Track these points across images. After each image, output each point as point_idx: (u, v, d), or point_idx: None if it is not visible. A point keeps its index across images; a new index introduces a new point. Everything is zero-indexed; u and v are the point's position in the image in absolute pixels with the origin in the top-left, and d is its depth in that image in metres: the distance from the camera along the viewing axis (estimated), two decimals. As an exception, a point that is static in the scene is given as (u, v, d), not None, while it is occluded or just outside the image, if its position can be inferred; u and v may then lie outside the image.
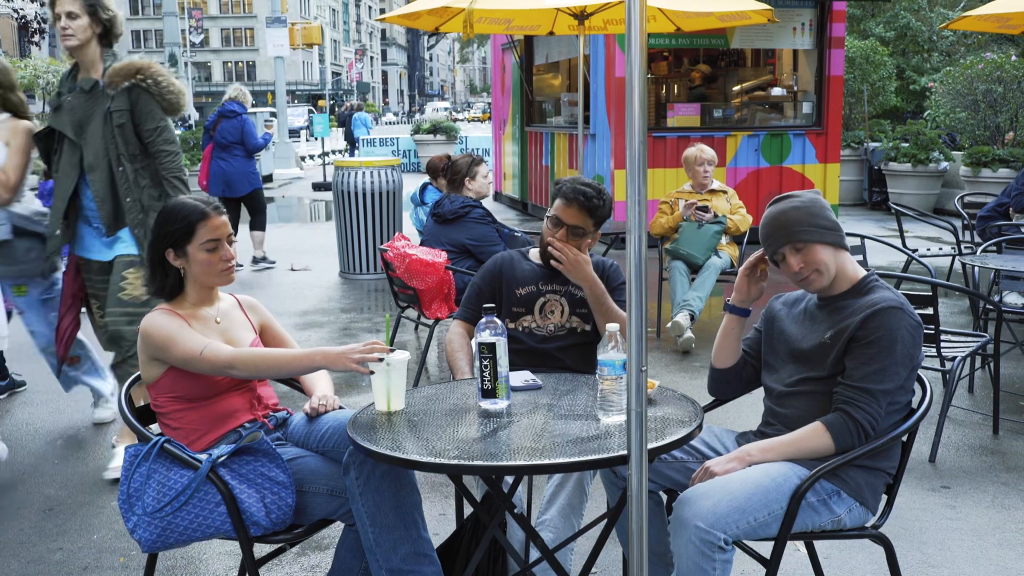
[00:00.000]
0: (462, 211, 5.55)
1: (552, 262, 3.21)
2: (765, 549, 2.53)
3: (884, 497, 2.66)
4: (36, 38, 21.95)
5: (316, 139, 25.18)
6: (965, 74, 13.33)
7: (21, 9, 22.00)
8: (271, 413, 2.91)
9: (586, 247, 3.28)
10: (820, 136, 10.97)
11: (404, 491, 2.60)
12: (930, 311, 4.27)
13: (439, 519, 3.74)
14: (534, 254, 3.47)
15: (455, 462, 2.21)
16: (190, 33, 54.31)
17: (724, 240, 6.47)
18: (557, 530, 2.97)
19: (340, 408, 2.87)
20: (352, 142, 27.04)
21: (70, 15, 4.03)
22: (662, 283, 6.75)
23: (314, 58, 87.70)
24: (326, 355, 2.60)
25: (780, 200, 2.70)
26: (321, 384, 2.99)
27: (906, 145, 13.49)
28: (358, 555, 2.74)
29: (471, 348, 3.25)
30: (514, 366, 2.78)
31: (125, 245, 4.15)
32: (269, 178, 18.22)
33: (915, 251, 6.75)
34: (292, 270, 9.78)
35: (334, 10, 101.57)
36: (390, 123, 65.21)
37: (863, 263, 5.62)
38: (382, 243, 7.79)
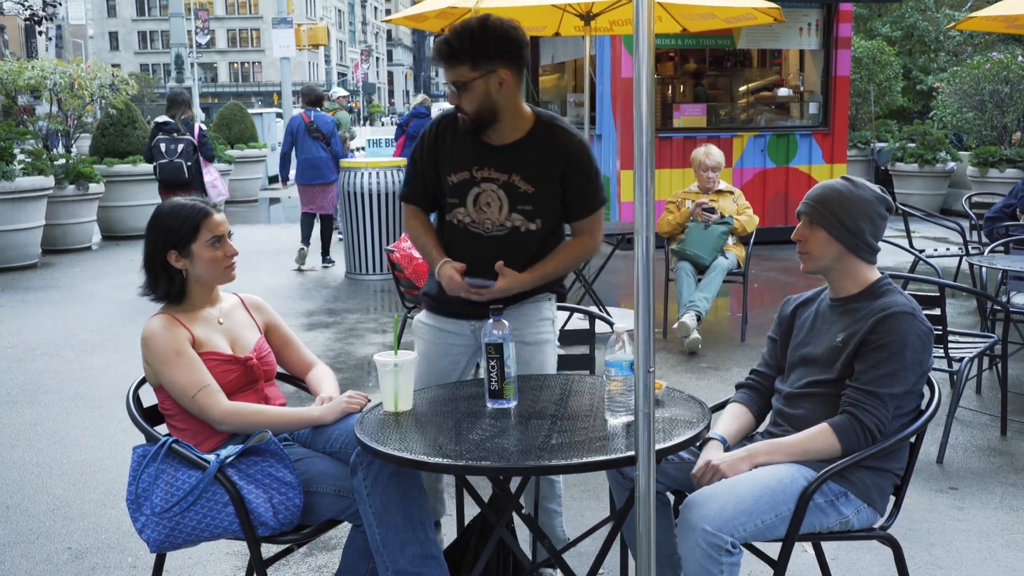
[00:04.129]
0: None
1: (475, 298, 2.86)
2: (773, 550, 2.53)
3: (892, 498, 2.65)
4: (43, 25, 22.07)
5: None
6: (972, 74, 13.30)
7: (26, 0, 22.10)
8: (278, 414, 2.91)
9: (499, 91, 2.75)
10: (827, 136, 10.95)
11: (412, 492, 2.60)
12: (937, 312, 4.26)
13: (446, 519, 3.73)
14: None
15: (462, 463, 2.22)
16: (196, 34, 54.32)
17: (731, 241, 6.47)
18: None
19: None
20: None
21: None
22: (668, 284, 6.75)
23: (320, 59, 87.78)
24: (314, 414, 2.77)
25: (846, 178, 2.68)
26: (327, 384, 2.99)
27: (913, 145, 13.47)
28: (365, 556, 2.74)
29: (431, 226, 3.04)
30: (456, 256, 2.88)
31: None
32: (275, 179, 18.20)
33: (922, 251, 6.74)
34: (299, 270, 9.79)
35: (340, 11, 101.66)
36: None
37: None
38: (388, 244, 7.79)
